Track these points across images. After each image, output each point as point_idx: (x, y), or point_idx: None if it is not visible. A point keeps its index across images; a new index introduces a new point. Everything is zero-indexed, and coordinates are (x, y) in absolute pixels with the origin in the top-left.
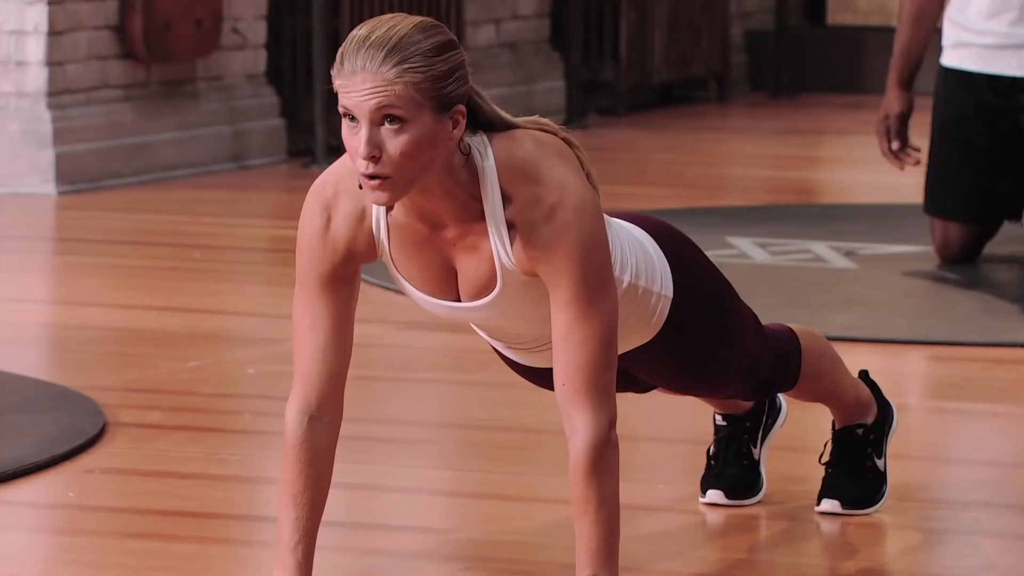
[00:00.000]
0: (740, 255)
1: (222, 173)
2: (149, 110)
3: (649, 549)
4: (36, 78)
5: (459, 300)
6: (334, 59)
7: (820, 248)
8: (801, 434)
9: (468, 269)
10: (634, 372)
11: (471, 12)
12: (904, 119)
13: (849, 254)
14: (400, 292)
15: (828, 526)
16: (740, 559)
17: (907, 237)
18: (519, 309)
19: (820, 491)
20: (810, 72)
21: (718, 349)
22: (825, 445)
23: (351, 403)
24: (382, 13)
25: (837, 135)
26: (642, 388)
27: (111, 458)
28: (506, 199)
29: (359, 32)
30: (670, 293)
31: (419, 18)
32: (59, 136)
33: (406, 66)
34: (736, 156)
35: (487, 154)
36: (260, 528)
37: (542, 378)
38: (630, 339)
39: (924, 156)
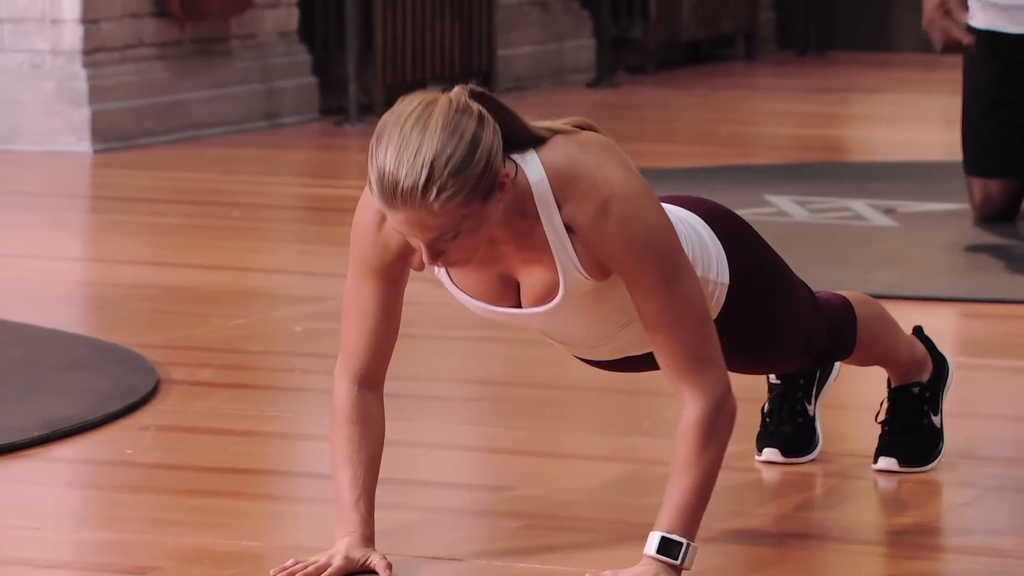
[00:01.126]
0: (779, 213)
1: (255, 131)
2: (183, 68)
3: (707, 507)
4: (71, 36)
5: (518, 306)
6: (366, 17)
7: (859, 206)
8: (855, 391)
9: (530, 279)
10: None
11: None
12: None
13: (889, 212)
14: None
15: (884, 483)
16: (797, 516)
17: (945, 195)
18: (580, 314)
19: (877, 449)
20: (837, 30)
21: (775, 330)
22: (881, 403)
23: (392, 361)
24: None
25: (865, 92)
26: None
27: (165, 415)
28: (561, 208)
29: (387, 166)
30: (726, 280)
31: (440, 108)
32: (94, 94)
33: (446, 195)
34: (765, 114)
35: (535, 169)
36: (318, 485)
37: (614, 367)
38: (647, 345)
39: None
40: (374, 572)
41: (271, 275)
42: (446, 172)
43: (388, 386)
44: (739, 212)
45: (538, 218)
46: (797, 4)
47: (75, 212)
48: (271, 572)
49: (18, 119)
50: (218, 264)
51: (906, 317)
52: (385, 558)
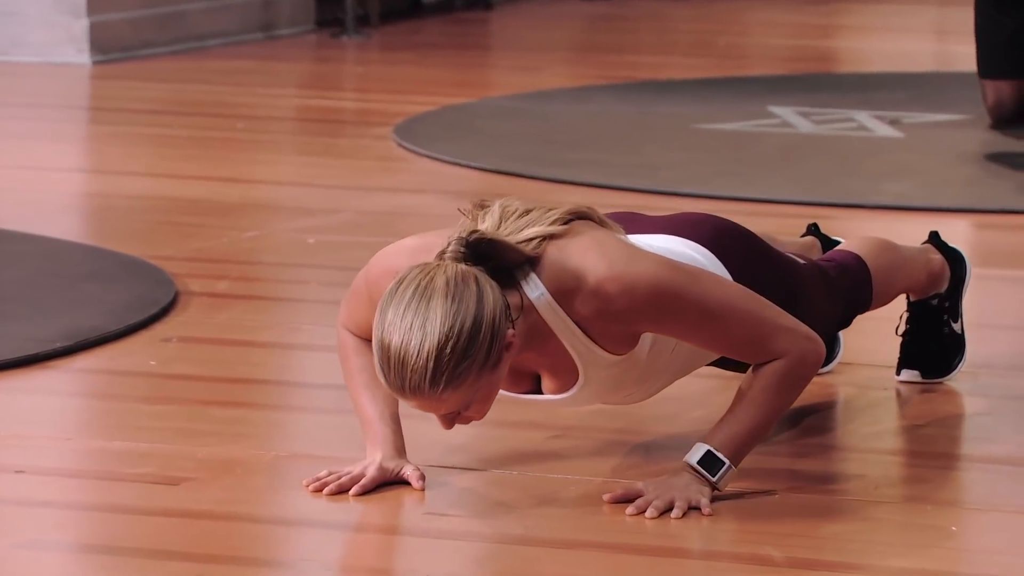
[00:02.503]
0: (783, 124)
1: (252, 43)
2: None
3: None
4: None
5: (534, 392)
6: None
7: (863, 117)
8: None
9: (547, 370)
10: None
11: None
12: None
13: (894, 123)
14: None
15: (906, 394)
16: (818, 426)
17: (949, 106)
18: (606, 395)
19: (899, 361)
20: None
21: None
22: (901, 316)
23: None
24: None
25: (858, 2)
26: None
27: (186, 327)
28: (568, 310)
29: (392, 354)
30: None
31: (439, 297)
32: (93, 5)
33: (454, 383)
34: (761, 24)
35: (535, 286)
36: (342, 395)
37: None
38: (701, 359)
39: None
40: (407, 482)
41: (279, 187)
42: (452, 362)
43: None
44: (743, 124)
45: (550, 329)
46: None
47: (77, 124)
48: (304, 482)
49: (17, 30)
50: (226, 176)
51: (918, 229)
52: (418, 469)
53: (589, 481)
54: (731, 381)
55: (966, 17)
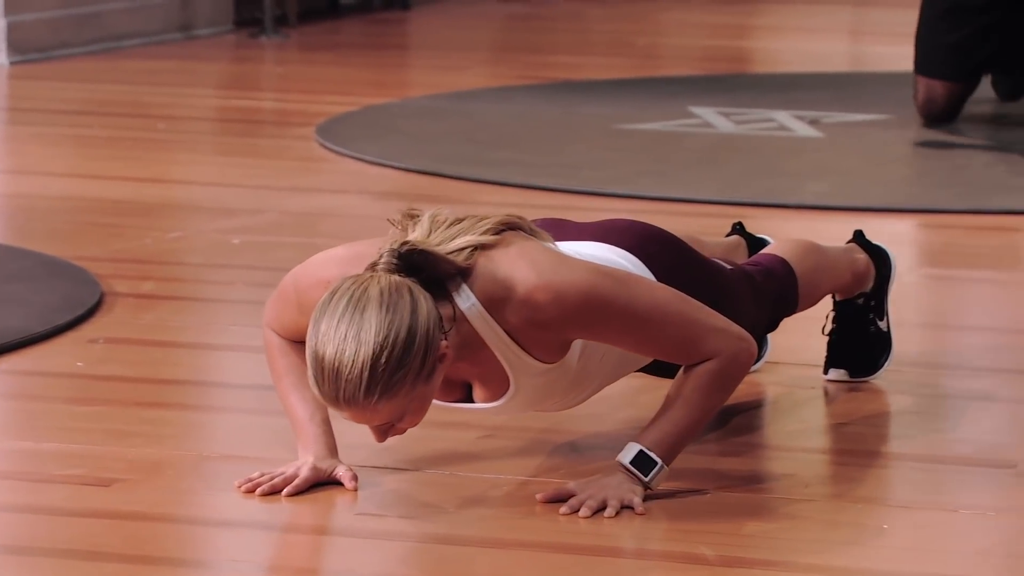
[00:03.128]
0: (704, 124)
1: (171, 43)
2: None
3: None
4: None
5: (465, 400)
6: None
7: (783, 117)
8: None
9: (478, 380)
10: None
11: None
12: None
13: (814, 123)
14: None
15: (834, 392)
16: (746, 425)
17: (867, 106)
18: (537, 402)
19: (826, 359)
20: None
21: None
22: (827, 316)
23: None
24: None
25: (774, 3)
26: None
27: (112, 328)
28: (498, 319)
29: (326, 364)
30: None
31: (372, 309)
32: (10, 5)
33: (388, 394)
34: (677, 24)
35: (467, 297)
36: (271, 396)
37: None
38: (632, 362)
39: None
40: (340, 483)
41: (201, 188)
42: (386, 372)
43: None
44: (665, 124)
45: (482, 339)
46: None
47: None
48: (236, 483)
49: None
50: (147, 176)
51: (840, 228)
52: (351, 469)
53: (521, 481)
54: (659, 381)
55: (880, 18)
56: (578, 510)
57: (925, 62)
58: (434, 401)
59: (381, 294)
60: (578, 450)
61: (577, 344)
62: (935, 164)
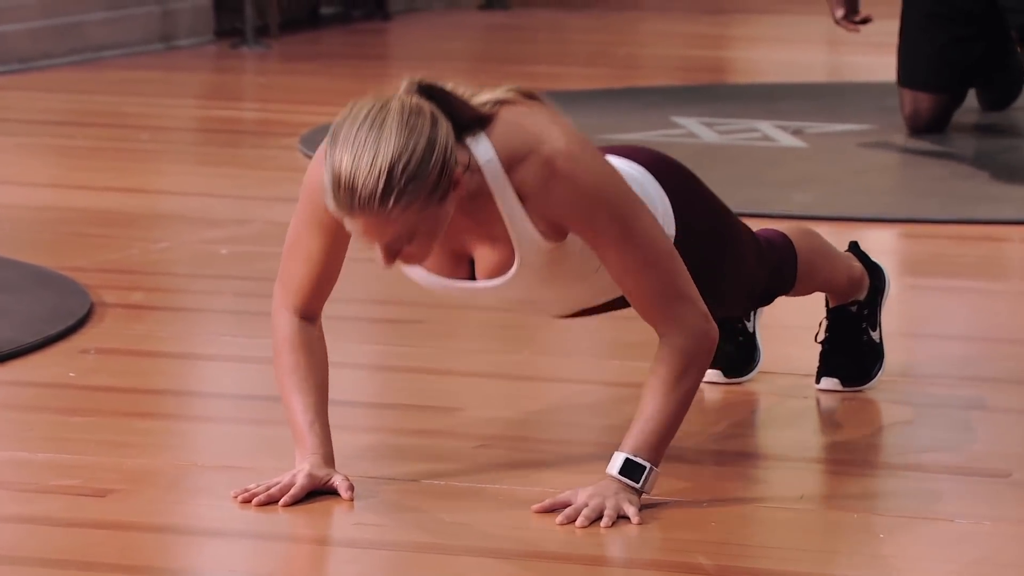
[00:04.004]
0: (688, 135)
1: (151, 53)
2: None
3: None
4: None
5: (471, 278)
6: None
7: (766, 127)
8: (795, 310)
9: (484, 253)
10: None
11: None
12: None
13: (797, 132)
14: None
15: (827, 402)
16: (740, 435)
17: (849, 116)
18: (533, 284)
19: (818, 369)
20: None
21: (721, 280)
22: (820, 323)
23: (365, 283)
24: None
25: (752, 13)
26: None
27: (103, 338)
28: (512, 179)
29: (343, 170)
30: (673, 232)
31: (393, 114)
32: None
33: (404, 202)
34: (656, 35)
35: (484, 149)
36: (265, 406)
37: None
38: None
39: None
40: (336, 492)
41: (186, 198)
42: (403, 179)
43: (361, 309)
44: (648, 134)
45: (491, 195)
46: None
47: None
48: (232, 493)
49: None
50: (132, 187)
51: (827, 238)
52: (347, 479)
53: (517, 490)
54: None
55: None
56: (574, 520)
57: (909, 74)
58: (440, 280)
59: (402, 109)
60: (574, 459)
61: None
62: (919, 174)
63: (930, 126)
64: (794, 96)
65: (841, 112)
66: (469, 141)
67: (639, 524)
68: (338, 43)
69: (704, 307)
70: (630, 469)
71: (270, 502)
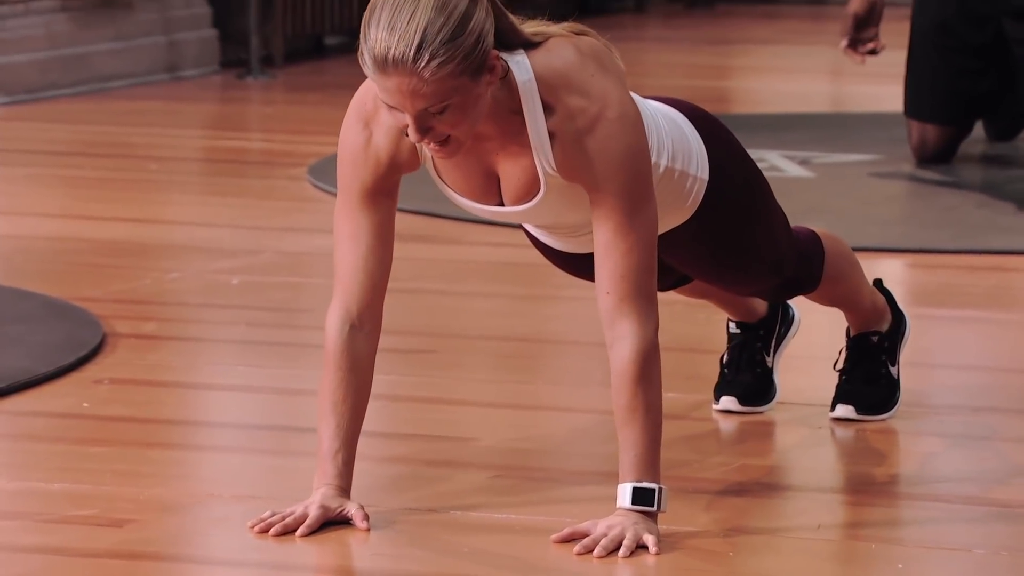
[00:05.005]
0: None
1: (157, 84)
2: (86, 20)
3: (665, 455)
4: None
5: (502, 204)
6: None
7: (774, 157)
8: (813, 342)
9: (511, 176)
10: (664, 258)
11: None
12: (860, 19)
13: (804, 162)
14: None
15: (842, 432)
16: (757, 464)
17: (856, 146)
18: (561, 211)
19: (834, 397)
20: None
21: (749, 235)
22: (840, 352)
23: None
24: None
25: (754, 44)
26: (665, 285)
27: (116, 368)
28: (547, 110)
29: (380, 22)
30: (706, 176)
31: None
32: None
33: (437, 62)
34: (660, 65)
35: (526, 69)
36: (278, 437)
37: (574, 265)
38: (666, 221)
39: (898, 57)
40: (351, 522)
41: (196, 228)
42: (438, 39)
43: None
44: None
45: (522, 115)
46: None
47: None
48: (248, 524)
49: None
50: (142, 217)
51: None
52: (362, 508)
53: (534, 520)
54: None
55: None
56: (592, 550)
57: (916, 105)
58: (470, 203)
59: None
60: (589, 489)
61: None
62: (928, 204)
63: (937, 157)
64: (800, 126)
65: (848, 142)
66: (507, 57)
67: (656, 554)
68: (343, 73)
69: (658, 322)
70: (641, 496)
71: (286, 532)
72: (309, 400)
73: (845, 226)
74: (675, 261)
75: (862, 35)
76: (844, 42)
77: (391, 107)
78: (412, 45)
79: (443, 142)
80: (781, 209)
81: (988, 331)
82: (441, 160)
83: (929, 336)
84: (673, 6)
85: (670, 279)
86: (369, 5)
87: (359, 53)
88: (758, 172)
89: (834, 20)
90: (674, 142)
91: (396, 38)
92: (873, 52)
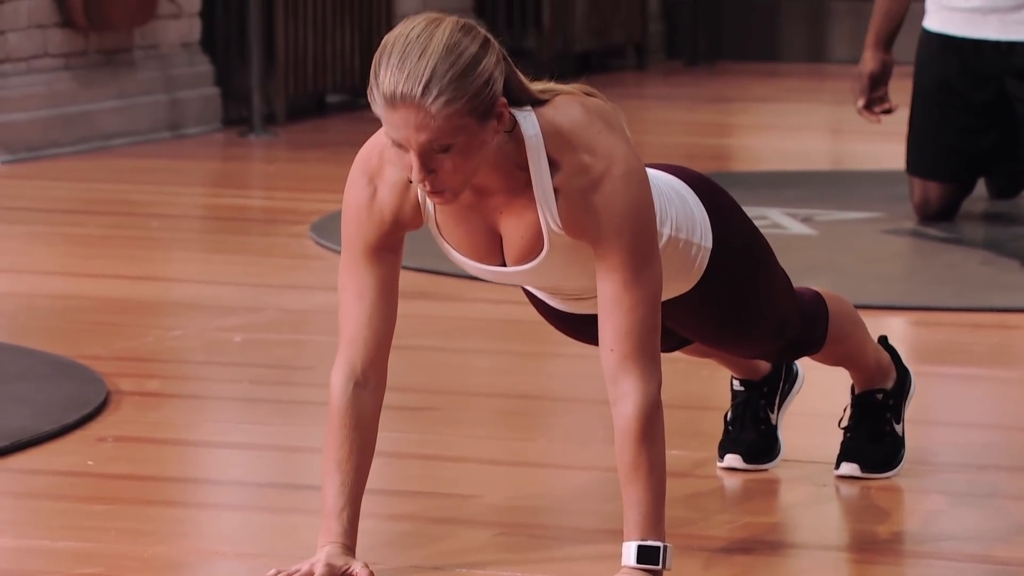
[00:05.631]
0: None
1: (159, 142)
2: (88, 79)
3: (669, 513)
4: None
5: (504, 264)
6: (268, 28)
7: (776, 214)
8: (817, 399)
9: (514, 234)
10: (667, 323)
11: None
12: (875, 79)
13: (806, 220)
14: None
15: (847, 490)
16: (762, 522)
17: (858, 203)
18: (564, 271)
19: (839, 455)
20: (725, 40)
21: (753, 301)
22: (844, 409)
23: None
24: None
25: (755, 102)
26: (669, 347)
27: (120, 426)
28: (553, 167)
29: (391, 60)
30: (709, 244)
31: (446, 27)
32: (1, 105)
33: (445, 99)
34: (660, 123)
35: (533, 124)
36: (282, 495)
37: (576, 327)
38: (670, 289)
39: (899, 115)
40: None
41: (199, 285)
42: (447, 78)
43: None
44: None
45: (528, 170)
46: (685, 14)
47: None
48: None
49: None
50: (144, 275)
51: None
52: (367, 567)
53: None
54: None
55: (859, 116)
56: None
57: (918, 163)
58: (472, 264)
59: (458, 21)
60: (593, 547)
61: None
62: (930, 261)
63: (940, 214)
64: (801, 184)
65: (849, 200)
66: (516, 112)
67: None
68: (344, 131)
69: (661, 379)
70: (646, 554)
71: None
72: (312, 457)
73: (848, 283)
74: (678, 327)
75: (876, 94)
76: (861, 102)
77: (396, 144)
78: (421, 81)
79: (441, 191)
80: (784, 272)
81: (991, 389)
82: (444, 218)
83: (932, 394)
84: (674, 64)
85: (673, 341)
86: (380, 45)
87: (368, 90)
88: (760, 237)
89: (834, 78)
90: (678, 211)
91: (406, 75)
92: (888, 111)
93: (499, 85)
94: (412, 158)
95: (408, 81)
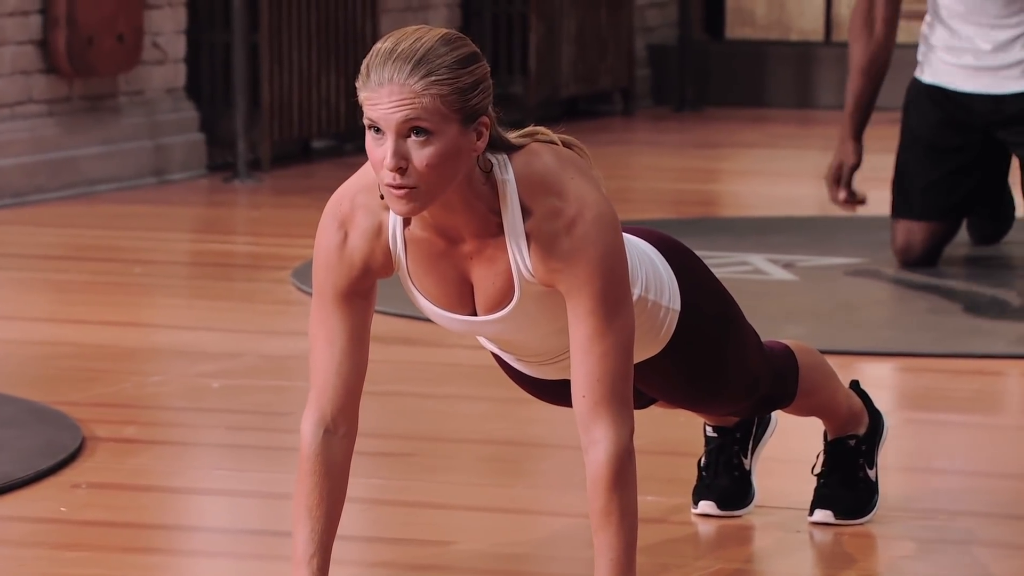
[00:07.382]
0: None
1: (144, 187)
2: (72, 125)
3: (644, 560)
4: None
5: (475, 314)
6: (253, 74)
7: (758, 260)
8: (791, 444)
9: (485, 282)
10: (638, 386)
11: (386, 26)
12: (855, 170)
13: (788, 266)
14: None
15: (821, 536)
16: (736, 569)
17: (840, 249)
18: (535, 322)
19: (812, 501)
20: (712, 86)
21: (723, 364)
22: (817, 456)
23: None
24: (299, 27)
25: (742, 148)
26: (640, 404)
27: (95, 473)
28: (525, 212)
29: (384, 44)
30: (678, 307)
31: (443, 30)
32: None
33: (433, 78)
34: (646, 169)
35: (507, 168)
36: (257, 541)
37: (548, 392)
38: (639, 352)
39: (884, 161)
40: None
41: (180, 331)
42: (439, 62)
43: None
44: None
45: (500, 215)
46: (672, 60)
47: None
48: None
49: None
50: (126, 321)
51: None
52: None
53: None
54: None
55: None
56: None
57: (903, 204)
58: (442, 313)
59: (451, 30)
60: None
61: None
62: (911, 307)
63: (922, 259)
64: (785, 229)
65: (832, 245)
66: (492, 156)
67: None
68: (330, 177)
69: (633, 426)
70: None
71: None
72: (291, 504)
73: (828, 329)
74: (648, 389)
75: (852, 186)
76: (842, 195)
77: (372, 127)
78: (415, 56)
79: (408, 189)
80: (752, 330)
81: (970, 435)
82: (415, 265)
83: (910, 440)
84: (661, 110)
85: (643, 399)
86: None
87: (358, 79)
88: (728, 298)
89: (821, 124)
90: (647, 273)
91: (399, 51)
92: (862, 202)
93: (488, 100)
94: (387, 141)
95: (399, 59)
